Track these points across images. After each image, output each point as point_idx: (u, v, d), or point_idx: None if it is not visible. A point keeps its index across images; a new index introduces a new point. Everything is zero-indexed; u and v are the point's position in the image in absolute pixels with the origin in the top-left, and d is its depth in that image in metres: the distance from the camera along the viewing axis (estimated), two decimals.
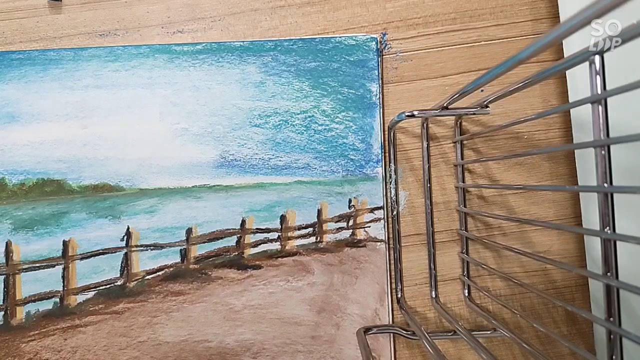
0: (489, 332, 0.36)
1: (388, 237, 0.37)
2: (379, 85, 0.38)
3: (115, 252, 0.37)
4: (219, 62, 0.38)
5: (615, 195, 0.20)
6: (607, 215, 0.20)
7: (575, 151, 0.36)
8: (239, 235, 0.37)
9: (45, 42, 0.38)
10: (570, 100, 0.35)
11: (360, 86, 0.38)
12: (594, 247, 0.34)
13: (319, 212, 0.37)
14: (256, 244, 0.37)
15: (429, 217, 0.37)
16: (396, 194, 0.38)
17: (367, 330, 0.35)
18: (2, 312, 0.36)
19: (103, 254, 0.37)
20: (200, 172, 0.37)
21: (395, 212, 0.37)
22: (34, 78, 0.37)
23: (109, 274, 0.37)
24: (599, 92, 0.19)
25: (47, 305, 0.36)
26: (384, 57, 0.39)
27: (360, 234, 0.37)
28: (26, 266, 0.36)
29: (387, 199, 0.38)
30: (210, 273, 0.37)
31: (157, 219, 0.37)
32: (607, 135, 0.20)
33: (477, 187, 0.38)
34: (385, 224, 0.37)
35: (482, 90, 0.36)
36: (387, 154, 0.38)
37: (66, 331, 0.36)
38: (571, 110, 0.36)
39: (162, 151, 0.37)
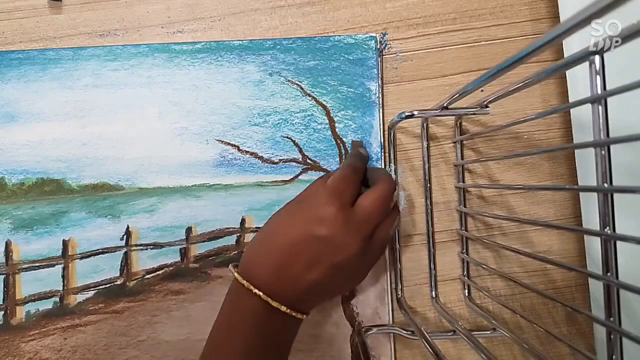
0: (489, 332, 0.36)
1: None
2: (379, 84, 0.38)
3: (114, 252, 0.37)
4: (218, 61, 0.38)
5: (615, 195, 0.20)
6: (607, 215, 0.20)
7: (575, 151, 0.36)
8: (238, 234, 0.37)
9: (45, 42, 0.38)
10: (570, 100, 0.35)
11: (360, 85, 0.38)
12: (594, 247, 0.34)
13: None
14: None
15: (429, 217, 0.37)
16: (396, 194, 0.38)
17: (367, 329, 0.35)
18: (2, 312, 0.36)
19: (103, 253, 0.37)
20: (199, 171, 0.37)
21: None
22: (33, 77, 0.37)
23: (109, 273, 0.37)
24: (599, 92, 0.19)
25: (47, 305, 0.36)
26: (384, 57, 0.39)
27: None
28: (26, 266, 0.36)
29: None
30: (210, 272, 0.37)
31: (156, 218, 0.37)
32: (607, 135, 0.20)
33: (477, 187, 0.38)
34: None
35: (482, 90, 0.36)
36: (387, 154, 0.38)
37: (66, 330, 0.36)
38: (571, 110, 0.36)
39: (161, 150, 0.37)
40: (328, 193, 0.29)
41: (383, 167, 0.37)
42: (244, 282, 0.28)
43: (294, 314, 0.28)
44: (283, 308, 0.27)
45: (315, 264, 0.27)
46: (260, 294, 0.27)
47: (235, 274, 0.29)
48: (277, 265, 0.28)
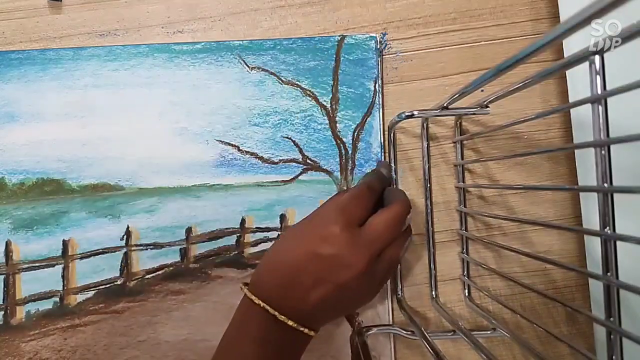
0: (489, 332, 0.36)
1: None
2: (379, 85, 0.38)
3: (115, 252, 0.37)
4: (218, 61, 0.38)
5: (615, 195, 0.20)
6: (607, 215, 0.20)
7: (575, 151, 0.36)
8: (238, 235, 0.37)
9: (45, 42, 0.38)
10: (570, 100, 0.35)
11: (360, 85, 0.38)
12: (594, 247, 0.34)
13: None
14: (256, 243, 0.37)
15: (429, 217, 0.37)
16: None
17: (367, 329, 0.35)
18: (2, 312, 0.36)
19: (103, 253, 0.37)
20: (199, 171, 0.37)
21: None
22: (34, 77, 0.37)
23: (109, 274, 0.37)
24: (599, 92, 0.19)
25: (47, 305, 0.36)
26: (384, 57, 0.39)
27: None
28: (26, 266, 0.36)
29: None
30: (210, 272, 0.37)
31: (156, 218, 0.37)
32: (607, 135, 0.19)
33: (477, 187, 0.38)
34: None
35: (482, 90, 0.36)
36: (387, 154, 0.38)
37: (66, 331, 0.36)
38: (571, 110, 0.36)
39: (161, 150, 0.37)
40: (336, 211, 0.28)
41: None
42: (252, 296, 0.28)
43: (301, 328, 0.27)
44: (290, 322, 0.27)
45: (319, 283, 0.27)
46: (268, 307, 0.27)
47: (244, 288, 0.29)
48: (283, 283, 0.28)
